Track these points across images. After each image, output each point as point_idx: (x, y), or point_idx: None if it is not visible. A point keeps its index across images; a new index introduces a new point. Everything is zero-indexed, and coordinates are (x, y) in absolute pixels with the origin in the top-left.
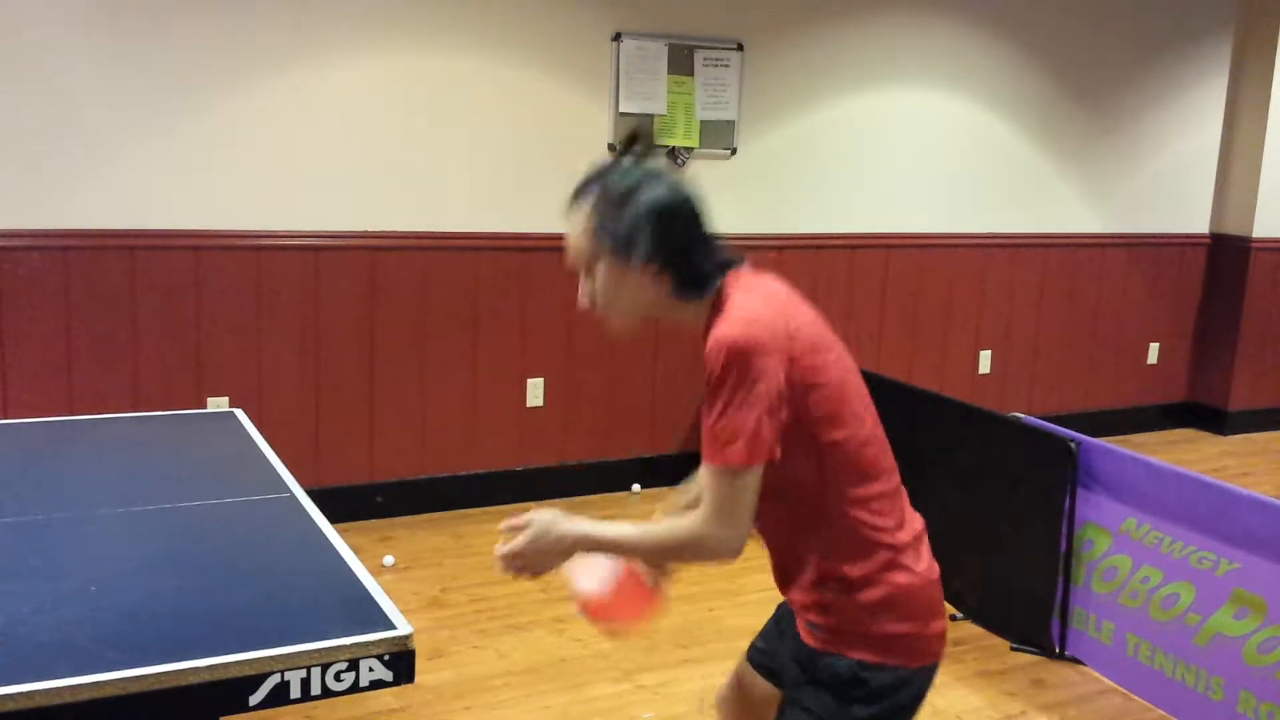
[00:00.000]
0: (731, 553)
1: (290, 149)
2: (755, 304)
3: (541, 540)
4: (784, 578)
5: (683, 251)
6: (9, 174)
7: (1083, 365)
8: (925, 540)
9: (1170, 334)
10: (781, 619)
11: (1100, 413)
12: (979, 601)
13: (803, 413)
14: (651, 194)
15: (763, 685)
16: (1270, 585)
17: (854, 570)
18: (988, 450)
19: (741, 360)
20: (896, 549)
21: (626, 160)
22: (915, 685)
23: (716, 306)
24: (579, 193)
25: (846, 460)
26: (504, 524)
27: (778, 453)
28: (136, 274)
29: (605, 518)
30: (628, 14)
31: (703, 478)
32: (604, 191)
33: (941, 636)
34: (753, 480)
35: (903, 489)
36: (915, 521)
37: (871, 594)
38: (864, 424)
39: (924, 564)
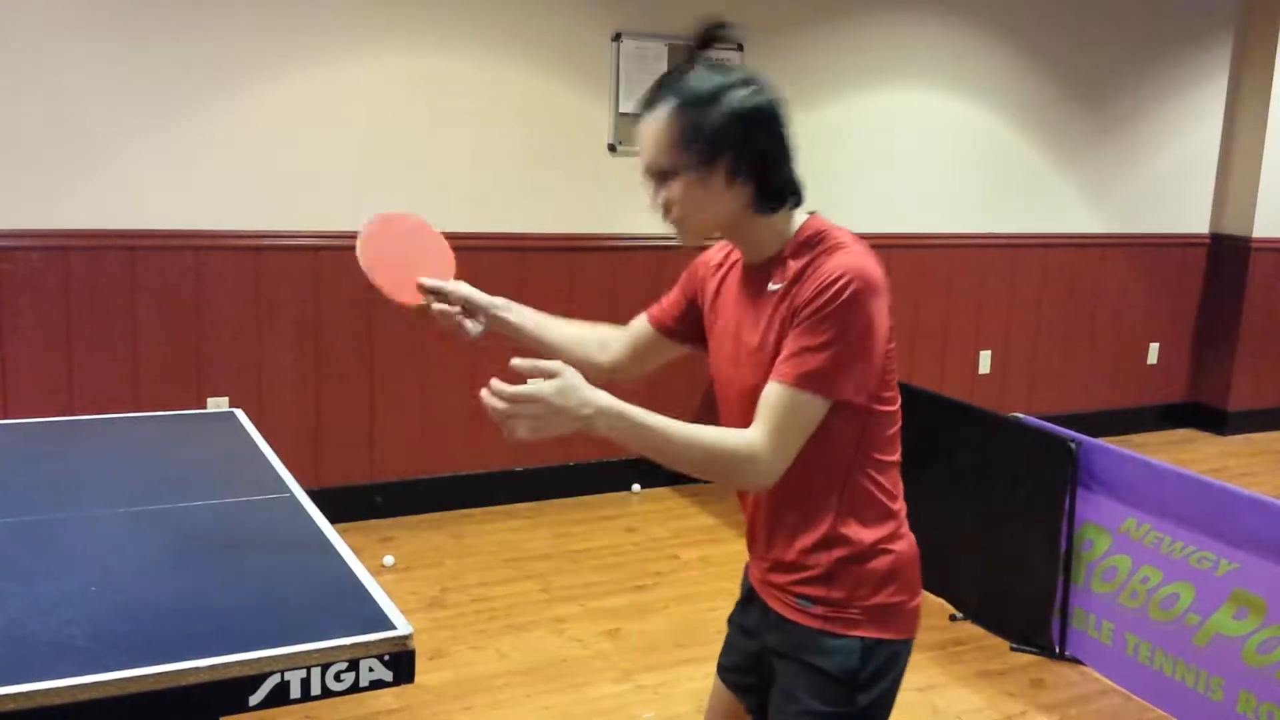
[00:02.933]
0: (767, 484)
1: (290, 149)
2: (865, 247)
3: (567, 397)
4: (775, 538)
5: (768, 160)
6: (9, 174)
7: (1083, 365)
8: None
9: (1170, 334)
10: (744, 624)
11: (1100, 413)
12: (979, 601)
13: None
14: (738, 96)
15: (740, 705)
16: (1270, 585)
17: (866, 535)
18: (988, 450)
19: (869, 294)
20: (899, 520)
21: (702, 63)
22: (903, 661)
23: (809, 238)
24: (654, 96)
25: (883, 425)
26: (522, 362)
27: (863, 396)
28: (136, 274)
29: (605, 518)
30: (628, 14)
31: (779, 396)
32: (685, 95)
33: (920, 610)
34: (820, 413)
35: None
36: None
37: (879, 562)
38: (899, 395)
39: (912, 538)
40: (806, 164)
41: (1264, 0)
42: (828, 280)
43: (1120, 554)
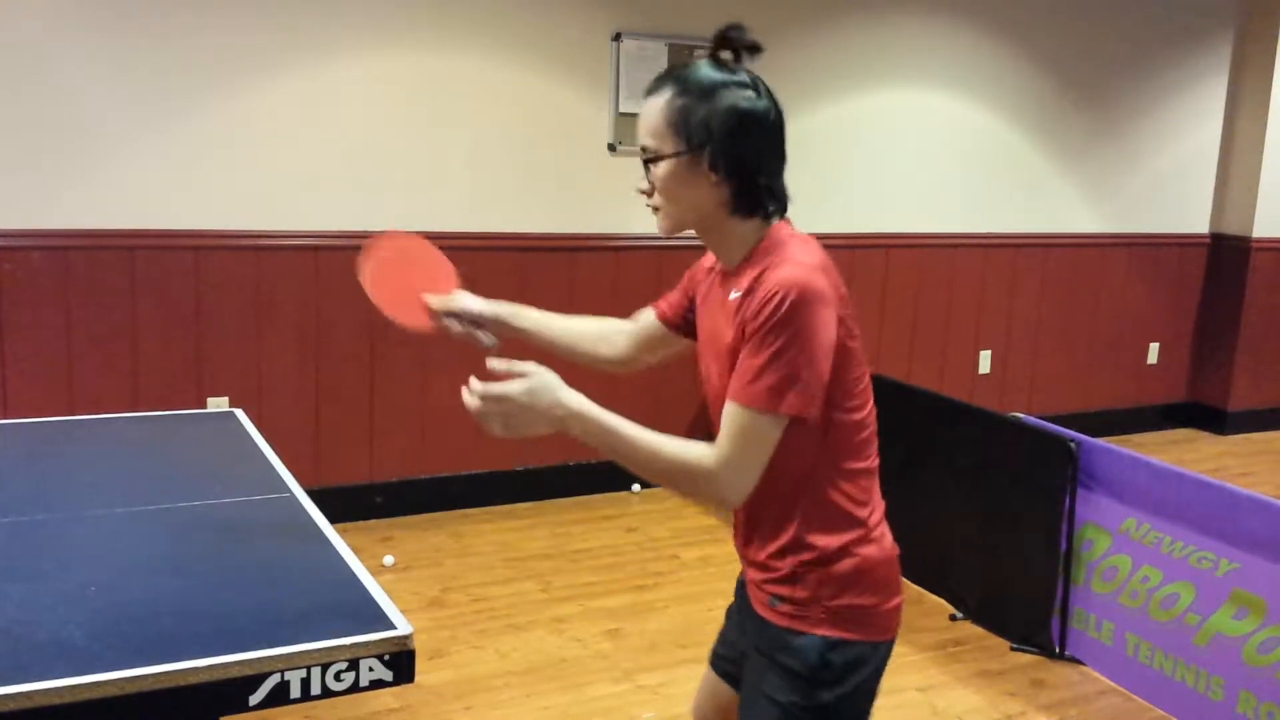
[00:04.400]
0: (735, 503)
1: (290, 149)
2: (818, 255)
3: (537, 397)
4: (752, 539)
5: (754, 164)
6: (9, 174)
7: (1083, 365)
8: (886, 522)
9: (1170, 334)
10: (738, 608)
11: (1100, 413)
12: (979, 601)
13: (831, 378)
14: (736, 95)
15: (727, 691)
16: (1270, 585)
17: (831, 541)
18: (988, 450)
19: (807, 306)
20: (868, 526)
21: (712, 59)
22: (874, 662)
23: (766, 248)
24: (661, 79)
25: (849, 432)
26: (498, 362)
27: (815, 410)
28: (136, 274)
29: (605, 518)
30: (628, 14)
31: (732, 416)
32: (685, 85)
33: (899, 612)
34: (778, 430)
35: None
36: (881, 503)
37: (843, 565)
38: (869, 400)
39: (889, 541)
40: (807, 164)
41: (1264, 0)
42: (766, 296)
43: (1120, 554)
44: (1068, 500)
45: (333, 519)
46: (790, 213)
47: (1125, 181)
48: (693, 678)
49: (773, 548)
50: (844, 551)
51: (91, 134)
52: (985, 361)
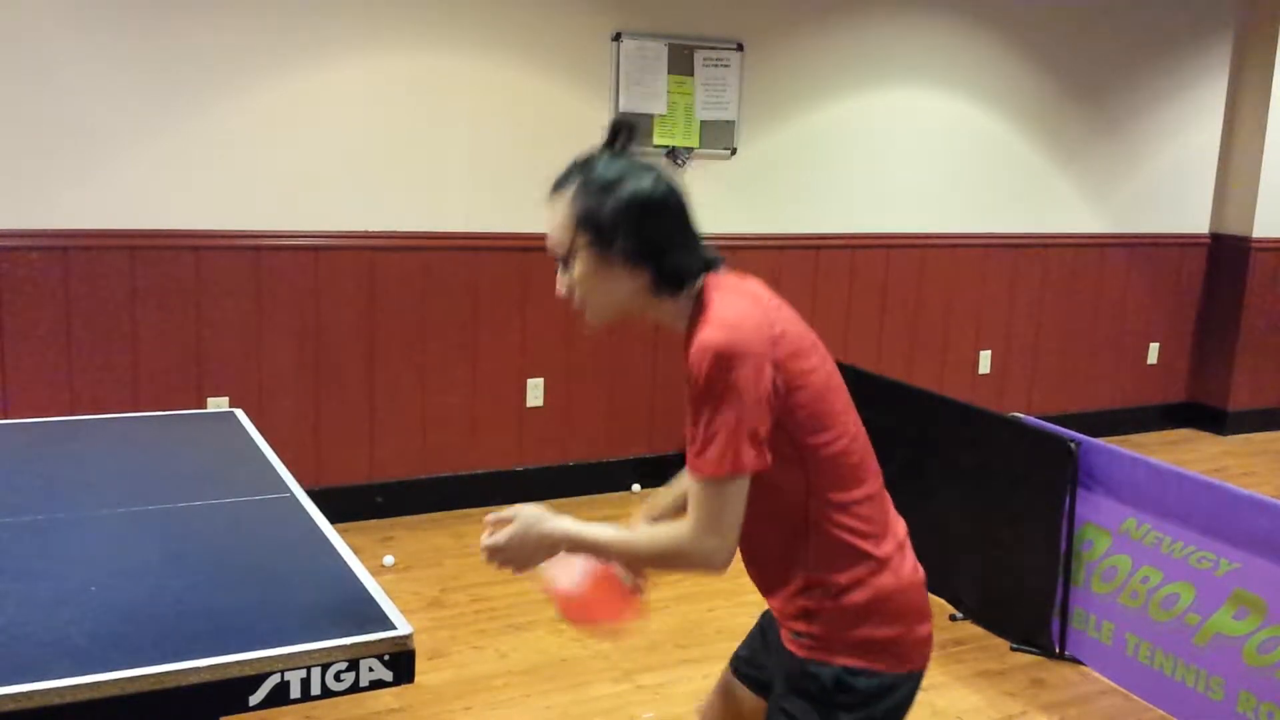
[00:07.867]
0: (720, 564)
1: (290, 149)
2: (739, 306)
3: (525, 537)
4: (765, 585)
5: (664, 246)
6: (9, 174)
7: (1083, 365)
8: (909, 545)
9: (1170, 334)
10: (766, 627)
11: (1100, 413)
12: (979, 601)
13: (787, 417)
14: (635, 185)
15: (748, 696)
16: (1270, 585)
17: (839, 577)
18: (988, 450)
19: (728, 366)
20: (878, 556)
21: (610, 151)
22: (900, 692)
23: (698, 309)
24: (561, 181)
25: (830, 465)
26: (489, 517)
27: (766, 461)
28: (136, 274)
29: (605, 518)
30: (628, 14)
31: (689, 487)
32: (586, 181)
33: (928, 641)
34: (741, 489)
35: (886, 493)
36: (899, 526)
37: (857, 597)
38: (847, 427)
39: (909, 568)
40: (807, 164)
41: (1264, 0)
42: (692, 365)
43: (1120, 554)
44: (1068, 500)
45: (333, 519)
46: (791, 212)
47: (1125, 181)
48: (693, 678)
49: (786, 591)
50: (854, 585)
51: (91, 134)
52: (985, 361)
